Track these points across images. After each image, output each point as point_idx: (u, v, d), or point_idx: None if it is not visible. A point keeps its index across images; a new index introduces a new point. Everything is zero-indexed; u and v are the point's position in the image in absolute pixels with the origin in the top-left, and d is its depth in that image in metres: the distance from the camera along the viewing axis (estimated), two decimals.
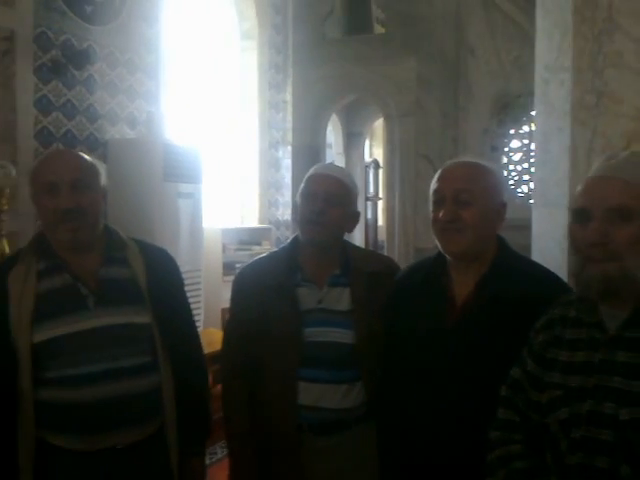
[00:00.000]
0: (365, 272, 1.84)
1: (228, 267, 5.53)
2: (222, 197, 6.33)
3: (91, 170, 1.69)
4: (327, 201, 1.80)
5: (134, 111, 4.86)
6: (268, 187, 6.76)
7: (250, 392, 1.81)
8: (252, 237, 6.15)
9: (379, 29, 7.99)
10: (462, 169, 1.63)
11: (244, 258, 5.88)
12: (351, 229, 1.92)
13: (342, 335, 1.78)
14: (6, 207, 3.27)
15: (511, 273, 1.57)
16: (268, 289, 1.82)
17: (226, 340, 1.91)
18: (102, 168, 1.74)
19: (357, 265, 1.86)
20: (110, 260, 1.71)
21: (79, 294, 1.63)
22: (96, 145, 4.46)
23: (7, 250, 3.25)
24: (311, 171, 1.90)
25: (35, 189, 1.66)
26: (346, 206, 1.85)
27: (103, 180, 1.73)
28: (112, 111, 4.65)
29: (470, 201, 1.56)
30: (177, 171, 4.72)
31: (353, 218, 1.91)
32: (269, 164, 6.79)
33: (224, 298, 5.38)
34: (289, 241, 1.93)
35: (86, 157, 1.72)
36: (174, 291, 1.82)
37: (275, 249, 2.04)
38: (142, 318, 1.67)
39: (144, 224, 4.30)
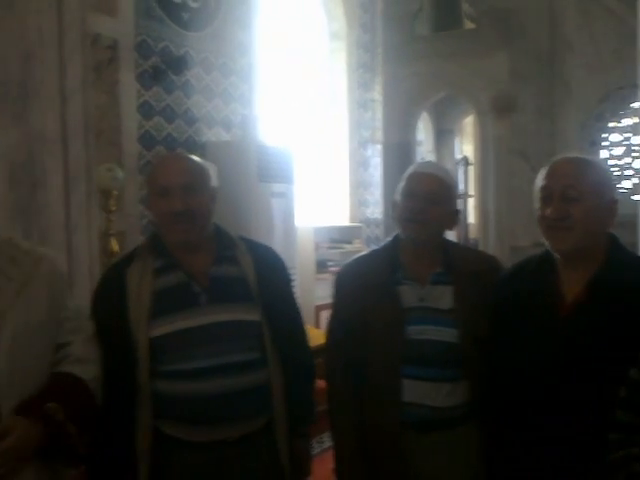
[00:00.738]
0: (468, 270, 1.81)
1: (320, 265, 5.60)
2: (313, 196, 6.40)
3: (201, 173, 1.75)
4: (427, 200, 1.79)
5: (229, 114, 5.00)
6: (357, 186, 6.79)
7: (354, 388, 1.83)
8: (343, 235, 6.19)
9: (469, 24, 7.85)
10: (569, 165, 1.59)
11: (336, 256, 5.93)
12: (451, 227, 1.91)
13: (445, 333, 1.76)
14: (114, 208, 3.44)
15: (625, 270, 1.51)
16: (369, 287, 1.83)
17: (329, 337, 1.94)
18: (212, 170, 1.80)
19: (459, 263, 1.84)
20: (220, 259, 1.75)
21: (192, 292, 1.69)
22: (194, 147, 4.62)
23: (115, 248, 3.42)
24: (411, 169, 1.90)
25: (150, 192, 1.75)
26: (446, 204, 1.84)
27: (213, 181, 1.79)
28: (208, 114, 4.81)
29: (578, 197, 1.52)
30: (270, 172, 4.84)
31: (453, 216, 1.89)
32: (358, 163, 6.81)
33: (317, 296, 5.46)
34: (389, 239, 1.94)
35: (197, 160, 1.78)
36: (282, 288, 1.86)
37: (374, 247, 2.05)
38: (251, 315, 1.72)
39: (240, 223, 4.42)
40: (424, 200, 1.78)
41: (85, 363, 1.50)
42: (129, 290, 1.67)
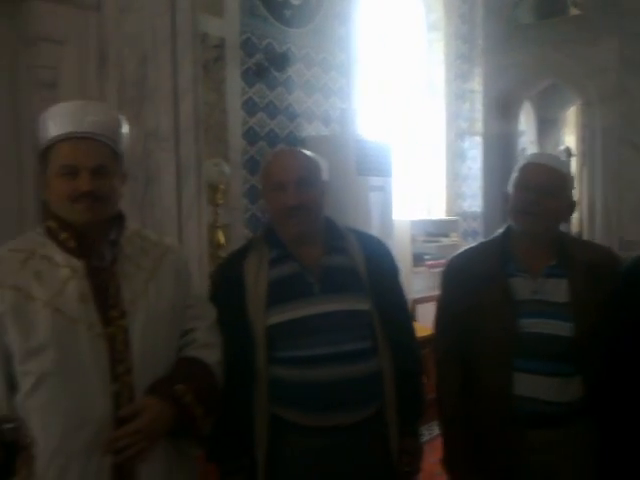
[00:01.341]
0: (584, 263, 1.77)
1: (417, 259, 5.57)
2: (410, 190, 6.37)
3: (314, 168, 1.81)
4: (542, 191, 1.76)
5: (328, 109, 5.06)
6: (455, 178, 6.69)
7: (464, 380, 1.83)
8: (439, 229, 6.12)
9: (574, 11, 7.54)
10: None
11: (432, 250, 5.89)
12: (567, 219, 1.87)
13: (560, 327, 1.73)
14: (221, 201, 3.57)
15: None
16: (479, 279, 1.82)
17: (437, 327, 1.94)
18: (323, 164, 1.85)
19: (575, 256, 1.80)
20: (331, 250, 1.80)
21: (305, 282, 1.74)
22: (295, 143, 4.70)
23: (222, 241, 3.56)
24: (525, 160, 1.87)
25: (265, 187, 1.82)
26: (561, 196, 1.81)
27: (324, 175, 1.84)
28: (309, 109, 4.88)
29: None
30: (368, 165, 4.86)
31: (568, 208, 1.85)
32: (456, 155, 6.71)
33: (414, 289, 5.44)
34: (501, 231, 1.92)
35: (310, 155, 1.84)
36: (391, 279, 1.89)
37: (483, 239, 2.04)
38: (362, 305, 1.76)
39: (338, 216, 4.46)
40: (539, 192, 1.76)
41: (209, 348, 1.59)
42: (247, 280, 1.74)
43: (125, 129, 1.55)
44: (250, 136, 4.38)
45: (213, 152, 3.88)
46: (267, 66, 4.53)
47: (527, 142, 8.33)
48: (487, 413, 1.78)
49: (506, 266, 1.82)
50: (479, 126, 6.81)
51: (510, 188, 1.84)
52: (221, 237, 3.56)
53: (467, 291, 1.84)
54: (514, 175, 1.85)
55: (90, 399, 1.38)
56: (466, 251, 1.97)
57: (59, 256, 1.45)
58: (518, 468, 1.74)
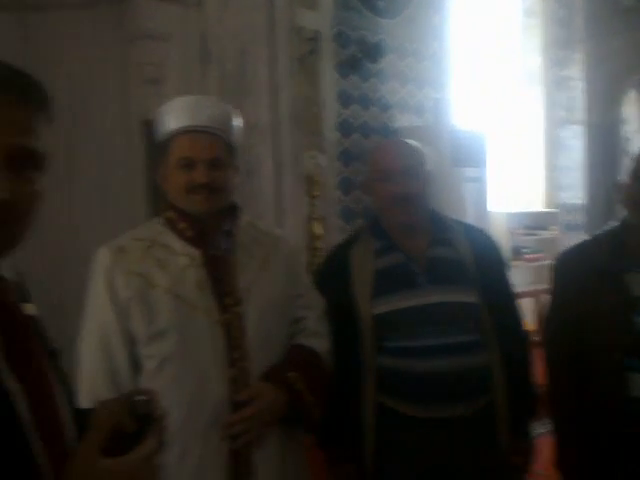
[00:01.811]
0: None
1: (515, 252, 5.41)
2: (506, 180, 6.20)
3: (419, 158, 1.80)
4: None
5: (422, 99, 4.99)
6: (553, 169, 6.45)
7: (577, 378, 1.77)
8: (537, 222, 5.92)
9: None
10: None
11: (531, 243, 5.71)
12: None
13: None
14: (317, 193, 3.60)
15: None
16: (592, 274, 1.75)
17: (548, 325, 1.89)
18: (427, 154, 1.82)
19: None
20: (437, 241, 1.79)
21: (411, 272, 1.74)
22: (388, 134, 4.67)
23: (319, 232, 3.58)
24: None
25: (370, 177, 1.82)
26: None
27: (429, 166, 1.81)
28: (402, 100, 4.83)
29: None
30: (463, 156, 4.76)
31: None
32: (554, 145, 6.46)
33: (512, 283, 5.29)
34: (616, 224, 1.83)
35: (415, 145, 1.83)
36: (499, 272, 1.85)
37: (598, 232, 1.95)
38: (469, 297, 1.73)
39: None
40: None
41: (319, 337, 1.61)
42: (353, 269, 1.75)
43: (237, 122, 1.59)
44: (344, 128, 4.38)
45: (309, 144, 3.91)
46: (360, 58, 4.52)
47: (632, 131, 7.92)
48: (600, 414, 1.71)
49: (621, 260, 1.73)
50: (579, 115, 6.53)
51: (624, 178, 1.75)
52: (318, 229, 3.59)
53: (578, 287, 1.77)
54: (630, 164, 1.75)
55: (208, 383, 1.43)
56: (578, 245, 1.89)
57: (177, 245, 1.50)
58: (635, 474, 1.66)
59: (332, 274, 1.82)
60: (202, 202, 1.48)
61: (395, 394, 1.70)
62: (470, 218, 4.78)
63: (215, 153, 1.48)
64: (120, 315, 1.44)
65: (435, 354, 1.67)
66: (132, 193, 2.95)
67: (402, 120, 4.84)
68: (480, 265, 1.77)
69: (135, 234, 1.55)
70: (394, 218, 1.77)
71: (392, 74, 4.76)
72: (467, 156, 4.81)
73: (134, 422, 0.82)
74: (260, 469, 1.44)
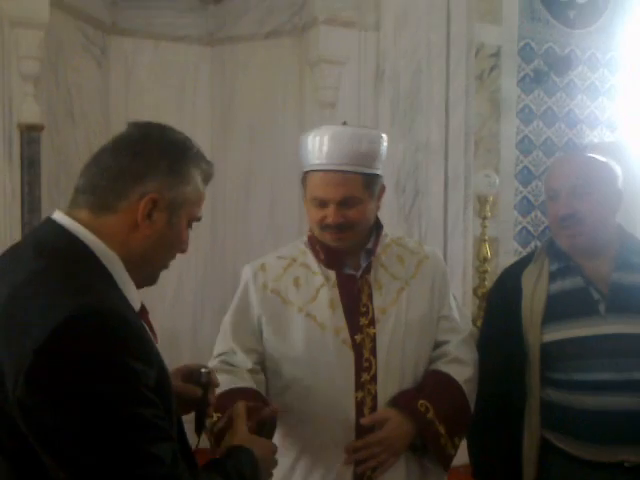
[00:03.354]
0: None
1: None
2: None
3: (595, 174, 1.62)
4: None
5: (614, 113, 4.63)
6: None
7: None
8: None
9: None
10: None
11: None
12: None
13: None
14: (489, 214, 3.49)
15: None
16: None
17: None
18: (617, 170, 1.66)
19: None
20: (623, 265, 1.62)
21: (590, 298, 1.59)
22: (574, 151, 4.40)
23: (489, 255, 3.47)
24: None
25: (545, 195, 1.72)
26: None
27: (616, 182, 1.64)
28: (592, 115, 4.53)
29: None
30: None
31: None
32: None
33: None
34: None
35: (594, 161, 1.66)
36: None
37: None
38: None
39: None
40: None
41: (461, 364, 1.54)
42: (525, 292, 1.65)
43: (384, 145, 1.55)
44: (524, 145, 4.20)
45: (484, 163, 3.81)
46: (547, 71, 4.32)
47: None
48: None
49: None
50: None
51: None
52: (487, 251, 3.48)
53: None
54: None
55: (334, 405, 1.44)
56: None
57: (315, 265, 1.55)
58: None
59: (502, 296, 1.73)
60: (332, 240, 1.50)
61: (562, 432, 1.58)
62: None
63: (347, 192, 1.45)
64: (252, 331, 1.52)
65: (611, 390, 1.52)
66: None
67: (591, 136, 4.53)
68: None
69: (279, 252, 1.62)
70: (560, 240, 1.66)
71: (581, 87, 4.48)
72: None
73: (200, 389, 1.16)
74: None
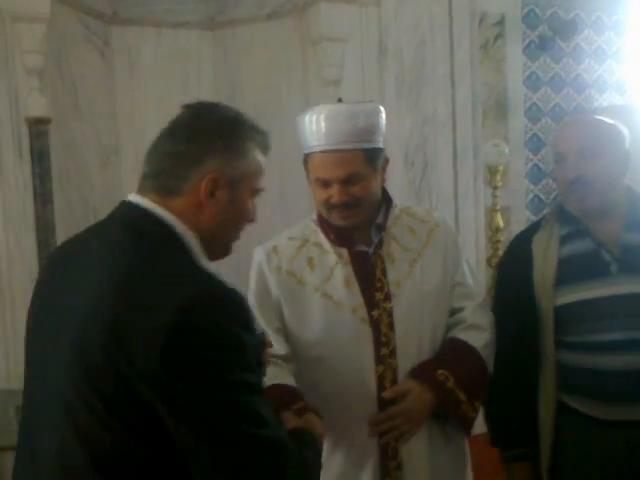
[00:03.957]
0: None
1: None
2: None
3: (602, 137, 1.61)
4: None
5: (623, 76, 4.58)
6: None
7: None
8: None
9: None
10: None
11: None
12: None
13: None
14: (500, 184, 3.47)
15: None
16: None
17: None
18: (624, 132, 1.65)
19: None
20: (633, 225, 1.62)
21: (601, 260, 1.60)
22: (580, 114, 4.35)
23: (501, 224, 3.47)
24: None
25: (553, 159, 1.72)
26: None
27: (624, 144, 1.64)
28: (600, 79, 4.48)
29: None
30: None
31: None
32: None
33: None
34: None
35: (601, 123, 1.65)
36: None
37: None
38: None
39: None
40: None
41: (477, 330, 1.56)
42: (535, 257, 1.66)
43: (382, 117, 1.53)
44: (532, 113, 4.17)
45: (492, 133, 3.79)
46: (552, 36, 4.26)
47: None
48: None
49: None
50: None
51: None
52: (500, 220, 3.47)
53: None
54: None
55: (356, 381, 1.46)
56: None
57: (327, 244, 1.56)
58: None
59: (512, 263, 1.74)
60: (340, 219, 1.51)
61: (578, 393, 1.60)
62: None
63: (350, 170, 1.45)
64: (276, 313, 1.53)
65: (624, 350, 1.53)
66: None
67: (600, 100, 4.48)
68: None
69: (290, 233, 1.63)
70: (569, 204, 1.66)
71: (588, 51, 4.42)
72: None
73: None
74: (407, 464, 1.45)
